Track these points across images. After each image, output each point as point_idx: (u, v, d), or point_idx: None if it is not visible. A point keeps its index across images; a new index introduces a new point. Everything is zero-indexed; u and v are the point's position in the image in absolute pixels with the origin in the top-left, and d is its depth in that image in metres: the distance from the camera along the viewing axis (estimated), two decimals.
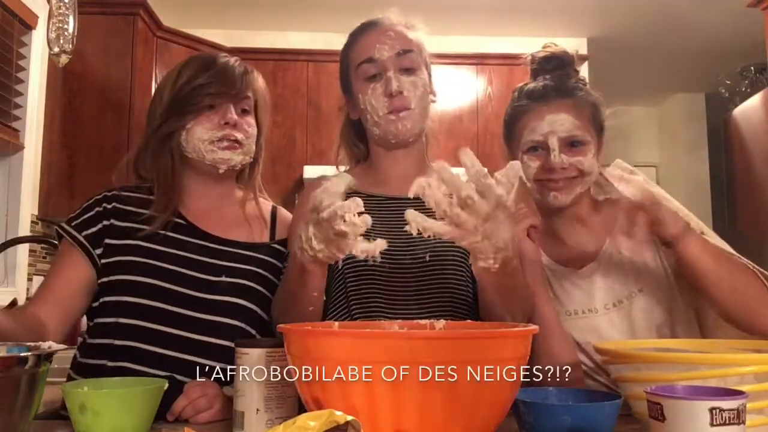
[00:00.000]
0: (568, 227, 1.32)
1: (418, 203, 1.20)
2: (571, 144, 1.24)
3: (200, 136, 1.25)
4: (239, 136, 1.26)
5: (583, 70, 4.18)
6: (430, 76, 1.31)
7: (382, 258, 1.14)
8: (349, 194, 1.10)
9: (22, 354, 0.83)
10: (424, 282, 1.20)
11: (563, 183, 1.24)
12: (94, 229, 1.25)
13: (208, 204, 1.32)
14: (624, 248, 1.28)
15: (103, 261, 1.23)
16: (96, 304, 1.24)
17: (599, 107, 1.31)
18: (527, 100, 1.29)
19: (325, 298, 1.31)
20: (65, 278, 1.24)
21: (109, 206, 1.27)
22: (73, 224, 1.27)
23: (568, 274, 1.30)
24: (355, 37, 1.31)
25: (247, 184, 1.37)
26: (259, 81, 1.34)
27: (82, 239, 1.24)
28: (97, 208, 1.27)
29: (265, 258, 1.29)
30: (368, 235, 1.13)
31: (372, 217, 1.17)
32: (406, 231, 1.16)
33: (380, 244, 0.93)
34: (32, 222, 3.02)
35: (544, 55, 1.34)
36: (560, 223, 1.32)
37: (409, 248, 1.21)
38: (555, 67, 1.32)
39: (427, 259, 1.21)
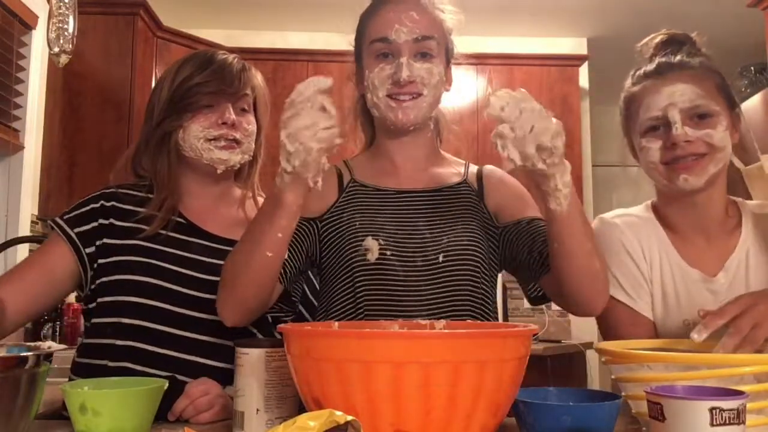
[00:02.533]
0: (695, 224, 1.21)
1: (432, 195, 1.20)
2: (697, 116, 1.14)
3: (197, 134, 1.24)
4: (237, 135, 1.25)
5: (583, 70, 4.19)
6: (449, 62, 1.22)
7: (393, 259, 1.12)
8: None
9: (22, 354, 0.83)
10: (438, 285, 1.13)
11: (692, 161, 1.12)
12: (87, 227, 1.25)
13: (207, 203, 1.32)
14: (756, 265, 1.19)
15: (101, 261, 1.23)
16: (93, 304, 1.23)
17: (725, 78, 1.20)
18: (641, 81, 1.21)
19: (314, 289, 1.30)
20: (40, 264, 1.24)
21: (107, 204, 1.27)
22: (65, 218, 1.26)
23: (697, 279, 1.20)
24: (375, 7, 1.20)
25: (246, 182, 1.36)
26: (258, 78, 1.33)
27: (72, 234, 1.24)
28: (92, 205, 1.27)
29: None
30: (377, 236, 1.13)
31: (381, 213, 1.17)
32: (418, 229, 1.16)
33: None
34: (32, 222, 3.02)
35: (661, 39, 1.27)
36: (688, 220, 1.21)
37: (420, 248, 1.14)
38: (672, 47, 1.24)
39: (441, 260, 1.13)
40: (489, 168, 1.27)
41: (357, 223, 1.15)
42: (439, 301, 1.13)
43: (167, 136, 1.27)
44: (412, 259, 1.13)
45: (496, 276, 1.23)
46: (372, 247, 1.12)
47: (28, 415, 0.83)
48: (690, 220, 1.22)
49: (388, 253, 1.13)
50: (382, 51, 1.15)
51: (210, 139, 1.24)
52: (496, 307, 1.22)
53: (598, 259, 1.01)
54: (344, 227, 1.16)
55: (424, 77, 1.13)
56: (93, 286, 1.24)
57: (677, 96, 1.14)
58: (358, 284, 1.13)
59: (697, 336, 0.93)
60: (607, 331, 1.24)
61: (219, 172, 1.26)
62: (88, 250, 1.24)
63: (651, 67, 1.22)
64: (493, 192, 1.22)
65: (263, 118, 1.34)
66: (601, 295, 1.05)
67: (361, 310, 1.12)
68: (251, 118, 1.30)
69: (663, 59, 1.21)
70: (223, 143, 1.24)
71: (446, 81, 1.21)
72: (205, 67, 1.26)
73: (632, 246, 1.23)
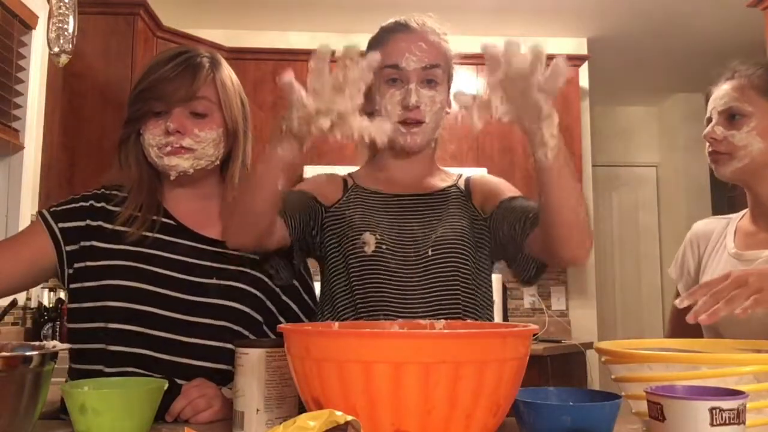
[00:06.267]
0: (757, 212, 1.36)
1: (423, 198, 1.30)
2: (731, 117, 1.32)
3: (149, 143, 1.21)
4: (184, 142, 1.20)
5: (583, 70, 4.19)
6: (450, 87, 1.32)
7: (387, 252, 1.22)
8: (353, 187, 1.31)
9: (26, 353, 0.83)
10: (429, 276, 1.22)
11: (720, 155, 1.32)
12: (72, 224, 1.24)
13: (194, 204, 1.29)
14: None
15: (89, 263, 1.21)
16: (75, 305, 1.22)
17: None
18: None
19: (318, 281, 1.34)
20: (20, 254, 1.22)
21: (97, 205, 1.26)
22: (51, 210, 1.26)
23: (729, 251, 1.35)
24: (386, 35, 1.29)
25: (226, 182, 1.30)
26: (222, 75, 1.26)
27: (56, 229, 1.23)
28: (82, 203, 1.26)
29: (256, 257, 1.26)
30: (374, 232, 1.22)
31: (377, 213, 1.26)
32: (411, 227, 1.26)
33: (384, 129, 0.99)
34: (32, 222, 3.02)
35: None
36: (753, 208, 1.38)
37: (413, 244, 1.23)
38: None
39: (430, 253, 1.22)
40: (476, 175, 1.40)
41: (356, 219, 1.25)
42: (430, 292, 1.21)
43: (126, 144, 1.25)
44: (404, 253, 1.23)
45: (489, 271, 1.31)
46: (369, 240, 1.22)
47: (33, 414, 0.83)
48: (753, 208, 1.38)
49: (384, 247, 1.22)
50: (392, 76, 1.25)
51: (160, 147, 1.20)
52: (490, 302, 1.31)
53: (583, 210, 1.07)
54: (345, 223, 1.26)
55: (428, 104, 1.24)
56: (75, 286, 1.22)
57: (718, 99, 1.34)
58: (353, 276, 1.22)
59: (678, 302, 1.01)
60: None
61: (172, 178, 1.23)
62: (69, 248, 1.22)
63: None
64: (478, 190, 1.33)
65: (235, 116, 1.26)
66: (585, 245, 1.11)
67: (358, 302, 1.21)
68: (207, 122, 1.22)
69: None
70: (168, 149, 1.20)
71: (447, 104, 1.31)
72: (152, 73, 1.22)
73: (695, 242, 1.46)
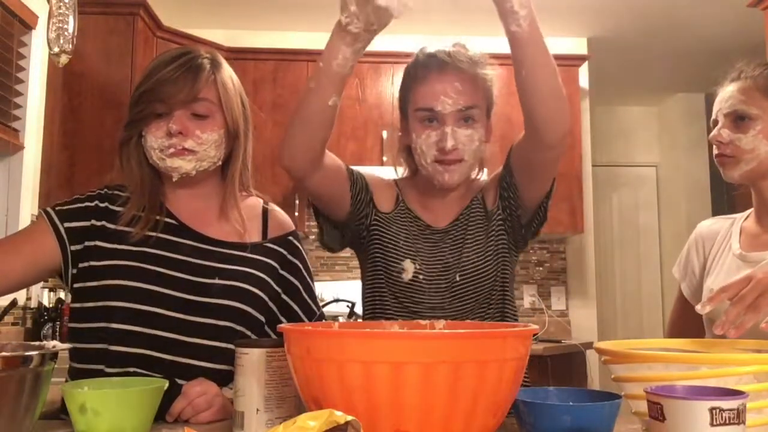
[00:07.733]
0: (761, 211, 1.36)
1: (454, 225, 1.36)
2: (737, 119, 1.31)
3: (151, 145, 1.21)
4: (187, 144, 1.20)
5: (583, 70, 4.19)
6: (489, 115, 1.32)
7: (424, 283, 1.32)
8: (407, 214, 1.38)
9: (26, 353, 0.83)
10: (458, 300, 1.32)
11: (727, 158, 1.31)
12: (77, 224, 1.23)
13: (196, 204, 1.29)
14: None
15: (92, 263, 1.21)
16: (78, 305, 1.21)
17: None
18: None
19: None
20: (24, 251, 1.21)
21: (101, 205, 1.26)
22: (57, 209, 1.25)
23: (735, 252, 1.35)
24: (420, 71, 1.28)
25: (227, 182, 1.29)
26: (223, 76, 1.25)
27: (61, 228, 1.22)
28: (87, 203, 1.26)
29: (258, 258, 1.27)
30: (414, 260, 1.31)
31: (415, 242, 1.35)
32: (443, 255, 1.34)
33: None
34: (32, 222, 3.02)
35: None
36: (757, 208, 1.38)
37: (444, 272, 1.33)
38: None
39: (458, 279, 1.31)
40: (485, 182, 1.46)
41: (400, 242, 1.34)
42: (461, 315, 1.30)
43: (127, 145, 1.25)
44: (437, 281, 1.32)
45: (512, 276, 1.39)
46: (409, 268, 1.29)
47: (33, 414, 0.83)
48: (758, 209, 1.37)
49: (421, 277, 1.31)
50: (428, 117, 1.26)
51: (163, 149, 1.20)
52: (514, 308, 1.39)
53: (559, 80, 1.11)
54: (389, 240, 1.34)
55: (466, 144, 1.25)
56: (78, 286, 1.22)
57: (723, 102, 1.33)
58: (388, 298, 1.32)
59: (701, 308, 1.00)
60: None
61: (174, 180, 1.23)
62: (73, 248, 1.22)
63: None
64: (487, 193, 1.40)
65: (236, 116, 1.26)
66: (563, 116, 1.15)
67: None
68: (209, 123, 1.22)
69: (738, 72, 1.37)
70: (171, 151, 1.20)
71: (487, 132, 1.33)
72: (154, 75, 1.21)
73: (700, 243, 1.45)
